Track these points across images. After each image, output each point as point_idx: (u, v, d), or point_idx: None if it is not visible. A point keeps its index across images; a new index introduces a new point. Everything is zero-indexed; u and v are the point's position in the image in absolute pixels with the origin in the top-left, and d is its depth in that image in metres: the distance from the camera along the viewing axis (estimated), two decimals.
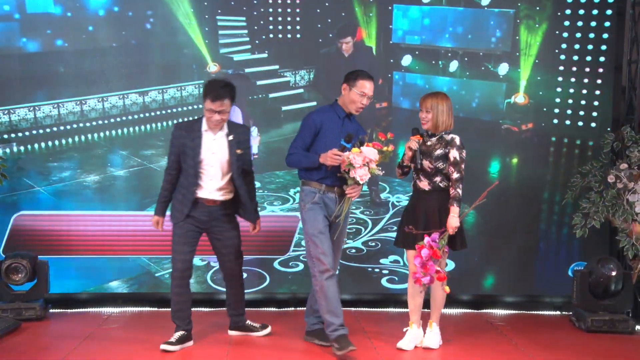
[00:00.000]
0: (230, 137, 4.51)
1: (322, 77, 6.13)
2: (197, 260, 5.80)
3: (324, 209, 4.60)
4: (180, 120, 6.17)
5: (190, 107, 6.14)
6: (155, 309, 5.81)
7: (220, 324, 5.26)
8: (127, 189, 6.00)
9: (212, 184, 4.55)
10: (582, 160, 5.92)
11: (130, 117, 6.09)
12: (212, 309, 5.80)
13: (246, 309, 5.41)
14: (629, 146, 5.45)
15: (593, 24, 5.89)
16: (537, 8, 5.96)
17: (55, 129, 6.01)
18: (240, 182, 4.57)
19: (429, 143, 4.65)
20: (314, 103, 6.18)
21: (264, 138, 6.14)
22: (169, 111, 6.13)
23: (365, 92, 4.56)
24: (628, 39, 5.83)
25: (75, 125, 6.04)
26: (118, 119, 6.06)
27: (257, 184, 6.04)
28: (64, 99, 6.00)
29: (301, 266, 6.00)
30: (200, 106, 6.12)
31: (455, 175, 4.57)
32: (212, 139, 4.53)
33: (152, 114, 6.11)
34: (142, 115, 6.09)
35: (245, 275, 5.91)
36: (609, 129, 5.86)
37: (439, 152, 4.60)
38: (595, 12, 5.87)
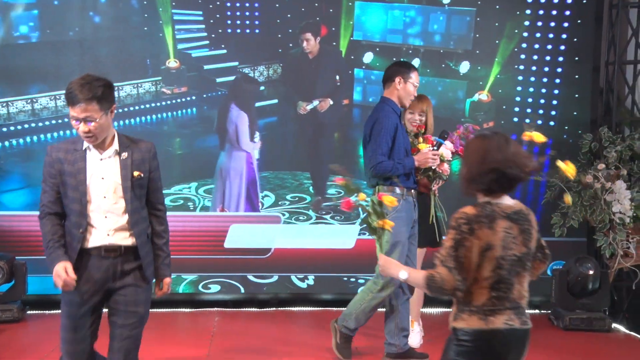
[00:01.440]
0: (124, 155, 3.27)
1: (287, 76, 6.15)
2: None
3: (407, 215, 4.45)
4: (138, 119, 6.18)
5: (147, 105, 6.04)
6: None
7: (201, 325, 5.35)
8: None
9: (108, 223, 3.26)
10: (541, 159, 6.19)
11: None
12: (193, 310, 5.86)
13: (224, 309, 5.59)
14: (606, 147, 5.64)
15: (552, 24, 6.05)
16: (497, 7, 6.16)
17: (5, 129, 5.84)
18: (138, 217, 3.29)
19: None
20: (275, 101, 6.22)
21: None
22: (125, 109, 6.00)
23: (417, 84, 4.52)
24: (606, 41, 6.03)
25: (26, 125, 5.96)
26: None
27: None
28: (14, 97, 5.85)
29: (275, 277, 6.03)
30: (159, 104, 6.22)
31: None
32: (98, 159, 3.26)
33: None
34: None
35: (219, 287, 5.98)
36: (566, 127, 6.16)
37: None
38: (554, 12, 6.04)
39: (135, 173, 3.29)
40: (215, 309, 5.92)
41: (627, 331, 5.57)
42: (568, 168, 3.11)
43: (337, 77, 6.14)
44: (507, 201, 2.90)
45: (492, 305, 2.83)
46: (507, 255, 2.83)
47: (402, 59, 6.15)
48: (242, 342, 5.02)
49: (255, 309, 5.98)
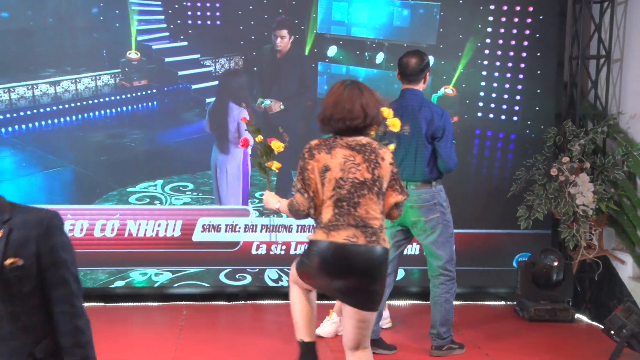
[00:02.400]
0: None
1: (249, 69, 6.22)
2: (136, 275, 6.01)
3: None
4: (97, 113, 6.12)
5: (106, 99, 6.06)
6: (101, 304, 5.95)
7: (168, 319, 5.48)
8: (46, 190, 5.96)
9: None
10: (504, 153, 6.43)
11: (41, 110, 5.94)
12: (160, 303, 5.97)
13: (192, 302, 5.75)
14: (570, 140, 5.87)
15: (516, 20, 6.26)
16: (461, 1, 6.33)
17: None
18: (8, 330, 2.25)
19: None
20: None
21: (188, 134, 6.16)
22: (83, 103, 6.02)
23: None
24: (569, 37, 6.27)
25: None
26: (28, 112, 5.90)
27: (190, 186, 6.14)
28: None
29: (249, 279, 6.15)
30: (118, 97, 6.16)
31: None
32: None
33: (66, 106, 5.99)
34: (54, 108, 5.96)
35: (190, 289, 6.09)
36: (529, 122, 6.39)
37: None
38: (517, 8, 6.24)
39: (8, 261, 2.25)
40: (184, 302, 6.04)
41: (590, 321, 5.87)
42: (394, 122, 4.00)
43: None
44: (357, 139, 3.54)
45: (335, 221, 3.45)
46: (347, 177, 3.47)
47: (366, 53, 6.29)
48: (211, 335, 5.16)
49: (224, 302, 6.11)
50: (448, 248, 4.71)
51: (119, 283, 5.99)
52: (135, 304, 5.92)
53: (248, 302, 6.07)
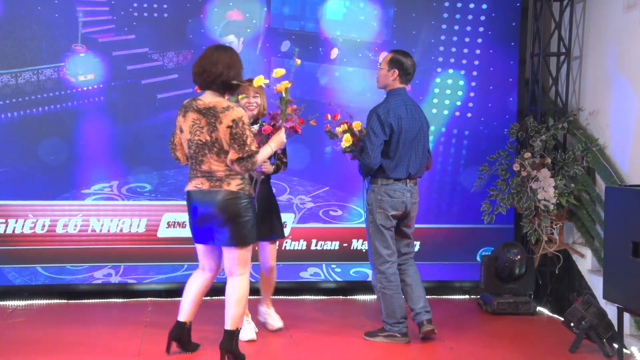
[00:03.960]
0: None
1: None
2: (99, 271, 5.96)
3: None
4: (40, 109, 5.96)
5: (50, 94, 5.89)
6: (64, 301, 5.97)
7: (133, 315, 5.52)
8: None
9: None
10: (458, 149, 6.52)
11: None
12: (125, 300, 6.01)
13: (157, 299, 5.89)
14: (532, 136, 6.12)
15: (470, 17, 6.46)
16: None
17: None
18: None
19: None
20: (190, 90, 6.08)
21: (138, 131, 6.03)
22: (25, 99, 5.86)
23: None
24: (531, 34, 6.51)
25: None
26: None
27: (148, 187, 6.12)
28: None
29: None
30: (62, 92, 5.85)
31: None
32: None
33: (6, 101, 5.81)
34: None
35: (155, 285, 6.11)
36: (482, 118, 6.53)
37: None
38: (472, 5, 6.45)
39: None
40: (149, 299, 6.10)
41: (550, 314, 6.13)
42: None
43: None
44: (207, 101, 4.10)
45: (190, 174, 4.25)
46: (194, 139, 4.14)
47: (320, 49, 6.23)
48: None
49: None
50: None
51: (83, 280, 5.99)
52: (99, 300, 5.99)
53: (214, 297, 6.01)
